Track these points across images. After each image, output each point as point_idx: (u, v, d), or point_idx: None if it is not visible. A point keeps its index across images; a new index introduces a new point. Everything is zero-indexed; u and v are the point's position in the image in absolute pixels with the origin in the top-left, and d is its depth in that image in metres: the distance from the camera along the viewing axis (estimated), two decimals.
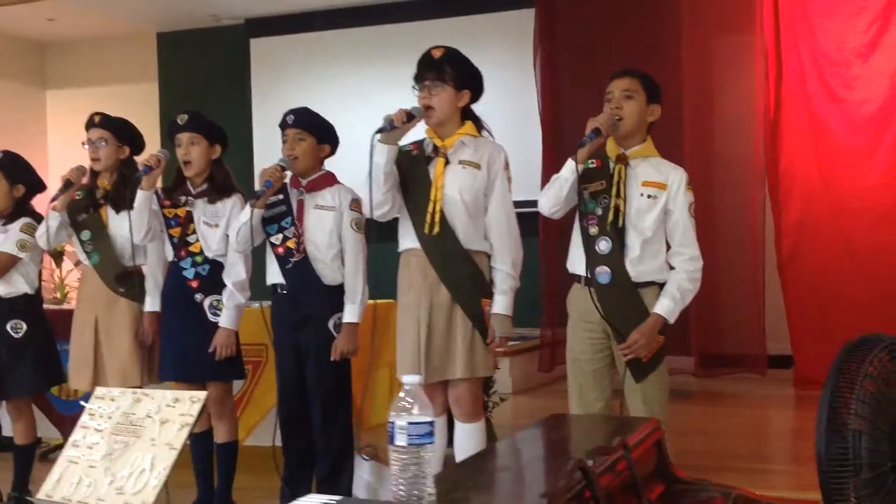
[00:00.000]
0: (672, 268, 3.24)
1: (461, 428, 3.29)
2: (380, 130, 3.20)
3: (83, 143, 4.02)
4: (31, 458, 4.28)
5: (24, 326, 4.12)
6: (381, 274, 3.65)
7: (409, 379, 1.62)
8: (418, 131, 3.41)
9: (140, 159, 3.96)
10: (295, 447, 3.74)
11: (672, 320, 3.19)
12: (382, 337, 4.10)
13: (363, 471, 4.14)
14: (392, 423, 1.59)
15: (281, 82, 8.71)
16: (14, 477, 4.17)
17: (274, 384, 4.29)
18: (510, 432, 4.03)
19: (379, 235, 3.64)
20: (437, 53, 3.30)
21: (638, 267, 3.20)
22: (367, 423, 4.71)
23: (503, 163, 3.37)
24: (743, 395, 5.91)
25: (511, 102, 7.53)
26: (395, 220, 3.46)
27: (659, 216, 3.21)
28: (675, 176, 3.25)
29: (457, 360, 3.26)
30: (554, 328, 6.38)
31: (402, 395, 1.61)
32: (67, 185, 3.91)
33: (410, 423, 1.57)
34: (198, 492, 3.94)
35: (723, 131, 6.63)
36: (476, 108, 3.44)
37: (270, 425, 3.86)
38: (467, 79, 3.34)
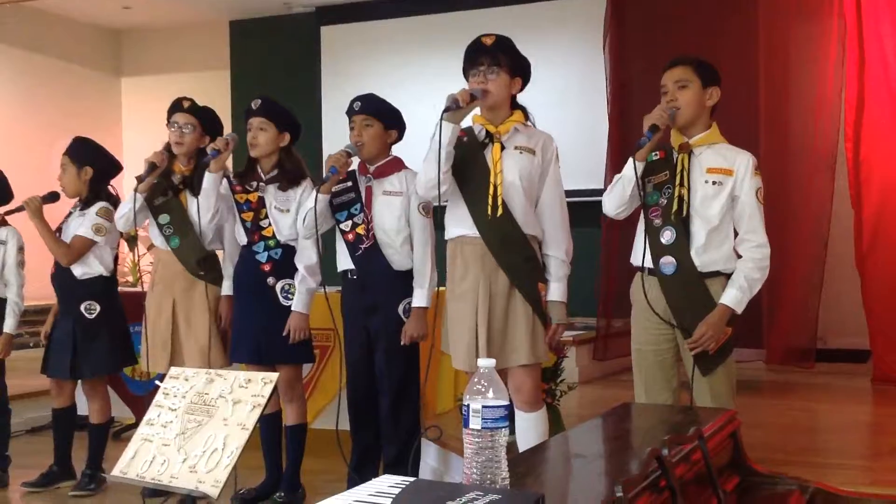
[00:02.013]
0: (739, 256, 3.17)
1: (523, 417, 3.26)
2: (446, 109, 3.17)
3: (167, 125, 4.07)
4: (106, 437, 4.39)
5: (98, 308, 4.21)
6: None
7: (485, 362, 1.61)
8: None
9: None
10: (363, 432, 3.76)
11: (740, 311, 3.12)
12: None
13: (429, 456, 4.16)
14: (466, 406, 1.57)
15: (350, 69, 8.76)
16: (88, 454, 4.28)
17: (340, 369, 4.33)
18: (577, 422, 4.00)
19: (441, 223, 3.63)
20: (488, 41, 3.29)
21: (703, 256, 3.14)
22: (432, 409, 4.73)
23: (555, 151, 3.36)
24: (817, 388, 5.77)
25: (578, 90, 7.47)
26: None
27: (725, 203, 3.14)
28: (742, 160, 3.18)
29: (518, 347, 3.22)
30: (609, 318, 6.34)
31: (476, 378, 1.60)
32: (152, 167, 3.97)
33: (485, 407, 1.56)
34: (266, 473, 3.99)
35: (798, 121, 6.48)
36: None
37: (337, 409, 3.87)
38: (519, 67, 3.33)
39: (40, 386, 5.16)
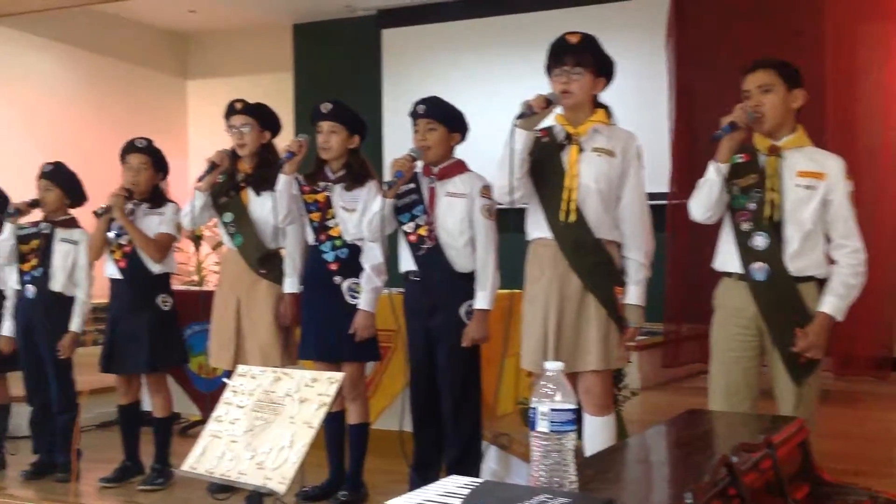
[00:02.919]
0: (833, 262, 3.10)
1: (592, 421, 3.24)
2: (519, 116, 3.13)
3: (227, 130, 4.15)
4: (170, 431, 4.48)
5: (171, 301, 4.33)
6: (516, 265, 3.64)
7: (552, 366, 1.61)
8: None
9: (282, 145, 4.07)
10: (425, 433, 3.78)
11: (840, 318, 3.06)
12: (511, 326, 4.10)
13: (490, 459, 4.16)
14: (534, 409, 1.58)
15: (411, 72, 8.81)
16: (155, 449, 4.36)
17: (402, 370, 4.35)
18: (640, 428, 3.98)
19: (507, 225, 3.64)
20: (574, 39, 3.23)
21: (797, 262, 3.08)
22: (494, 411, 4.73)
23: (637, 151, 3.29)
24: (887, 397, 5.65)
25: (639, 93, 7.41)
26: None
27: (817, 207, 3.08)
28: (834, 164, 3.12)
29: (591, 350, 3.19)
30: (679, 324, 6.26)
31: (543, 381, 1.60)
32: (212, 167, 4.05)
33: (553, 410, 1.56)
34: (329, 471, 4.03)
35: (867, 122, 6.35)
36: (603, 97, 3.38)
37: (397, 410, 3.90)
38: (604, 66, 3.28)
39: (108, 382, 5.28)
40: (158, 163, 4.38)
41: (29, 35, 8.60)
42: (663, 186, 6.10)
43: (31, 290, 4.45)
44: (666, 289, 6.29)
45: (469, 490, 1.46)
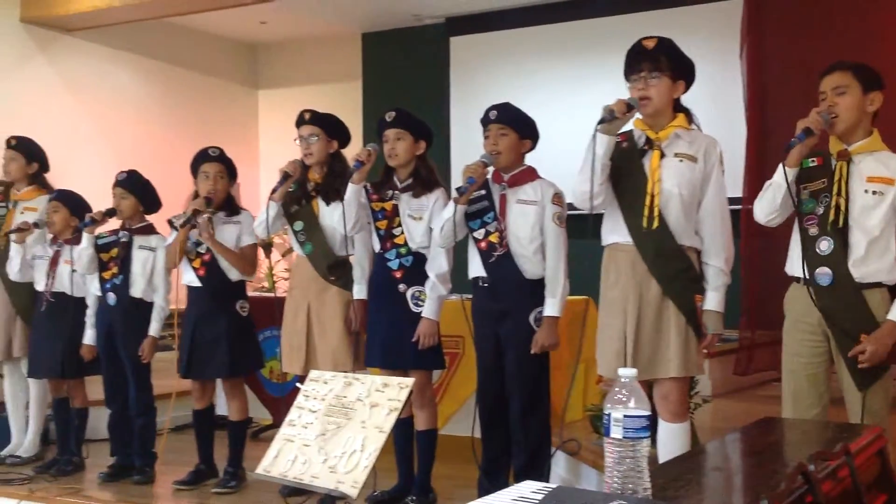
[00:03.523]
0: None
1: (667, 427, 3.20)
2: (601, 121, 3.11)
3: (295, 140, 4.21)
4: (245, 435, 4.55)
5: (248, 307, 4.41)
6: (586, 271, 3.63)
7: (626, 372, 1.61)
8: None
9: (350, 154, 4.12)
10: (494, 439, 3.78)
11: None
12: (576, 333, 4.08)
13: (558, 465, 4.15)
14: (608, 415, 1.58)
15: (479, 79, 8.83)
16: (229, 453, 4.43)
17: (470, 376, 4.37)
18: (711, 435, 3.93)
19: (579, 231, 3.62)
20: (650, 44, 3.20)
21: (862, 268, 3.03)
22: (562, 418, 4.71)
23: (719, 156, 3.24)
24: None
25: (713, 97, 7.31)
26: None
27: (887, 213, 3.02)
28: None
29: (671, 357, 3.15)
30: (753, 331, 6.14)
31: (617, 388, 1.60)
32: (285, 177, 4.12)
33: (626, 416, 1.56)
34: (398, 477, 4.05)
35: None
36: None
37: (466, 416, 3.92)
38: (682, 69, 3.24)
39: (181, 386, 5.39)
40: (231, 171, 4.47)
41: (106, 47, 8.84)
42: (738, 191, 6.01)
43: (112, 297, 4.55)
44: (740, 294, 6.18)
45: (542, 495, 1.47)
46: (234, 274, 4.38)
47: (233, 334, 4.34)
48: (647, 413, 1.57)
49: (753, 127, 6.40)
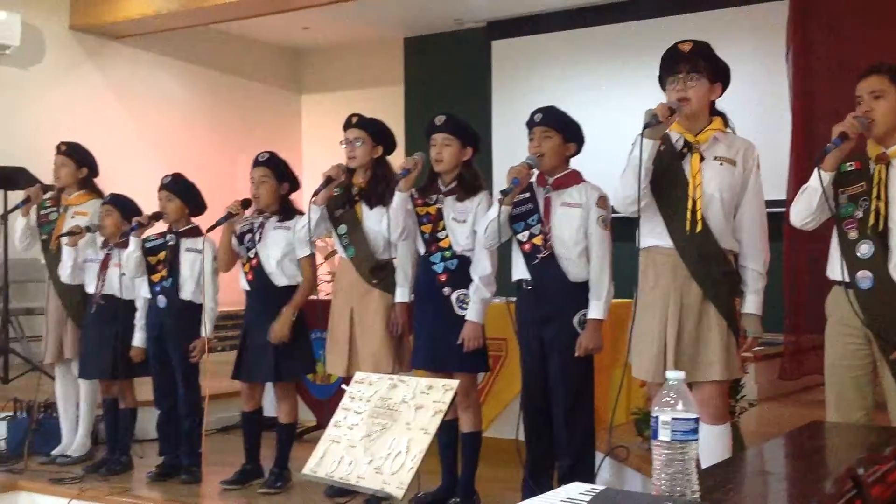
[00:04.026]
0: None
1: (708, 430, 3.18)
2: (645, 126, 3.11)
3: (340, 143, 4.25)
4: (293, 437, 4.58)
5: (297, 313, 4.43)
6: (628, 274, 3.62)
7: (674, 375, 1.62)
8: None
9: (395, 161, 4.15)
10: (537, 441, 3.78)
11: None
12: (623, 336, 4.08)
13: (603, 468, 4.14)
14: (656, 418, 1.59)
15: (520, 82, 8.84)
16: (276, 454, 4.47)
17: (513, 378, 4.38)
18: (757, 439, 3.90)
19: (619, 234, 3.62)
20: (686, 47, 3.21)
21: None
22: (605, 421, 4.70)
23: (756, 159, 3.25)
24: None
25: (758, 99, 7.26)
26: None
27: None
28: None
29: (713, 360, 3.15)
30: (799, 335, 6.08)
31: (665, 390, 1.61)
32: (328, 180, 4.15)
33: (675, 419, 1.57)
34: (442, 479, 4.07)
35: None
36: (721, 103, 3.34)
37: (509, 418, 3.92)
38: (719, 72, 3.25)
39: (228, 388, 5.45)
40: (281, 174, 4.46)
41: (153, 54, 8.99)
42: (782, 193, 5.96)
43: (162, 300, 4.61)
44: (784, 298, 6.13)
45: (591, 496, 1.48)
46: (280, 280, 4.41)
47: (279, 342, 4.36)
48: (696, 416, 1.58)
49: (798, 128, 6.34)
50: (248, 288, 4.46)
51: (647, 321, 3.24)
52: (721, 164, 3.19)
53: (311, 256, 4.46)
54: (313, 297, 4.50)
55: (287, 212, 4.46)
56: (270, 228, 4.43)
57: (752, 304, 3.23)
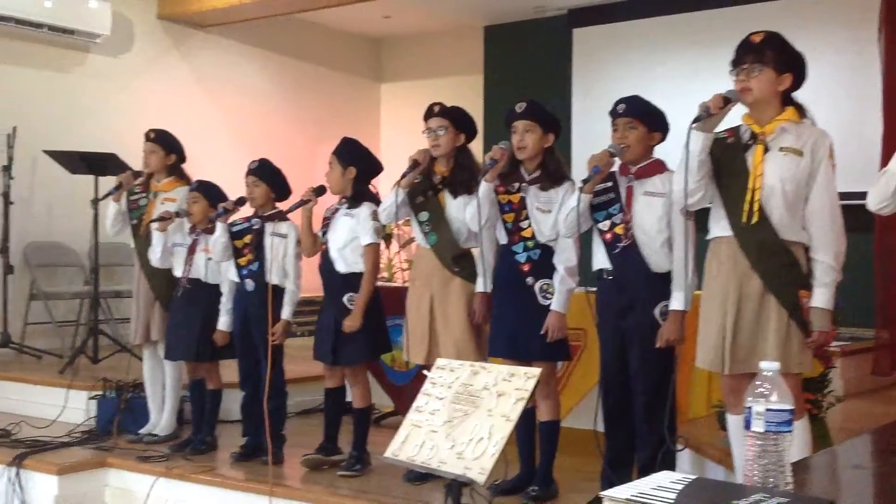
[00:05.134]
0: None
1: None
2: (696, 119, 3.12)
3: (423, 132, 4.27)
4: (368, 420, 4.64)
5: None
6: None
7: (768, 365, 1.60)
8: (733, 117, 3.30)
9: (478, 152, 4.15)
10: (618, 432, 3.76)
11: None
12: None
13: (683, 462, 4.10)
14: (749, 408, 1.57)
15: (601, 71, 8.76)
16: (354, 437, 4.54)
17: (592, 369, 4.36)
18: (844, 435, 3.81)
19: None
20: (756, 38, 3.19)
21: None
22: (684, 415, 4.65)
23: (828, 150, 3.19)
24: None
25: (848, 87, 7.06)
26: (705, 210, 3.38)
27: None
28: None
29: (768, 353, 3.10)
30: (892, 329, 5.91)
31: (759, 381, 1.59)
32: (414, 165, 4.18)
33: (769, 410, 1.55)
34: (520, 467, 4.08)
35: None
36: (809, 92, 3.27)
37: (586, 408, 3.90)
38: (788, 62, 3.19)
39: (307, 371, 5.54)
40: (347, 159, 4.46)
41: (236, 43, 9.13)
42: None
43: (250, 283, 4.69)
44: (875, 292, 5.97)
45: (682, 485, 1.47)
46: (341, 266, 4.44)
47: (339, 326, 4.40)
48: (791, 407, 1.55)
49: (890, 116, 6.16)
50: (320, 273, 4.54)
51: (708, 311, 3.26)
52: (786, 154, 3.15)
53: (375, 245, 4.47)
54: (390, 284, 4.52)
55: (355, 199, 4.48)
56: (340, 216, 4.48)
57: (819, 297, 3.16)
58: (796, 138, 3.17)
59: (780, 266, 3.15)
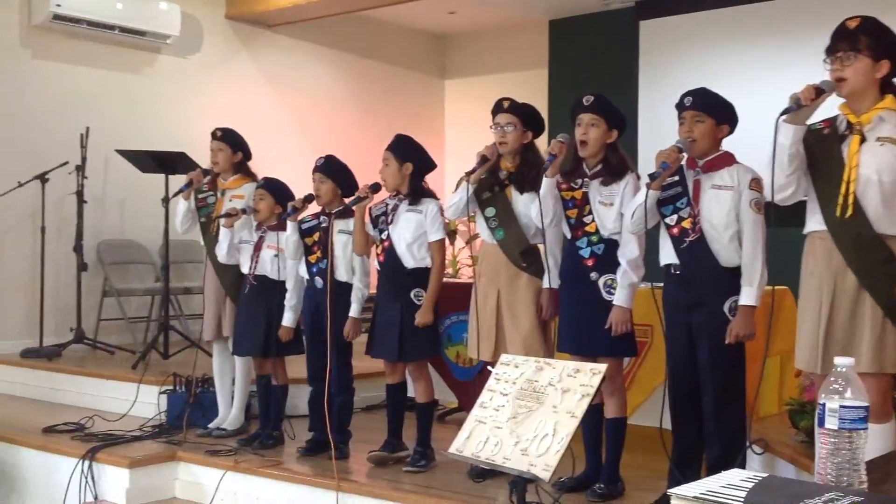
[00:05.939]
0: None
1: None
2: (785, 111, 3.03)
3: (490, 127, 4.25)
4: (431, 416, 4.64)
5: (424, 295, 4.45)
6: (778, 259, 3.49)
7: (842, 361, 1.55)
8: (828, 108, 3.20)
9: (543, 148, 4.12)
10: (684, 430, 3.70)
11: None
12: (775, 324, 3.93)
13: (752, 460, 4.02)
14: (822, 405, 1.52)
15: (669, 63, 8.63)
16: (417, 433, 4.54)
17: (658, 366, 4.29)
18: None
19: (777, 219, 3.49)
20: (852, 24, 3.07)
21: None
22: (756, 412, 4.56)
23: None
24: None
25: None
26: (799, 204, 3.29)
27: None
28: None
29: (862, 352, 3.01)
30: None
31: (833, 377, 1.54)
32: (483, 160, 4.17)
33: (843, 407, 1.50)
34: (586, 464, 4.04)
35: None
36: None
37: (653, 406, 3.83)
38: (886, 48, 3.07)
39: (371, 367, 5.56)
40: (404, 154, 4.44)
41: (303, 42, 9.22)
42: None
43: (320, 280, 4.70)
44: None
45: (753, 483, 1.43)
46: (409, 262, 4.43)
47: (404, 322, 4.39)
48: (866, 404, 1.50)
49: None
50: (379, 269, 4.53)
51: (805, 309, 3.17)
52: (883, 144, 3.03)
53: (442, 241, 4.48)
54: (455, 280, 4.51)
55: (416, 195, 4.47)
56: (403, 211, 4.46)
57: None
58: (895, 127, 3.06)
59: (877, 261, 3.05)
